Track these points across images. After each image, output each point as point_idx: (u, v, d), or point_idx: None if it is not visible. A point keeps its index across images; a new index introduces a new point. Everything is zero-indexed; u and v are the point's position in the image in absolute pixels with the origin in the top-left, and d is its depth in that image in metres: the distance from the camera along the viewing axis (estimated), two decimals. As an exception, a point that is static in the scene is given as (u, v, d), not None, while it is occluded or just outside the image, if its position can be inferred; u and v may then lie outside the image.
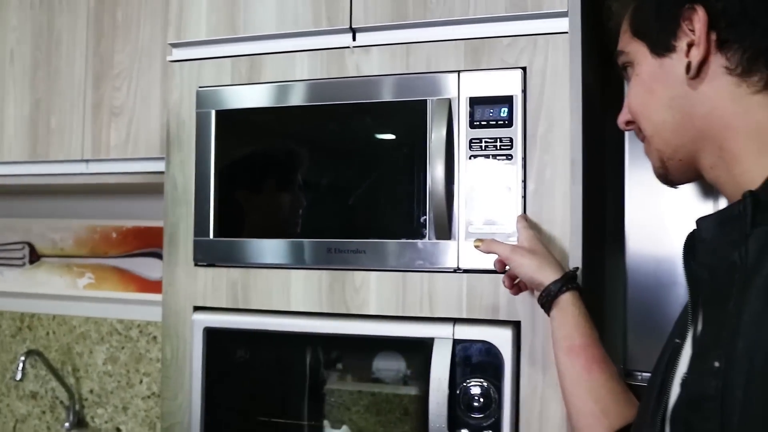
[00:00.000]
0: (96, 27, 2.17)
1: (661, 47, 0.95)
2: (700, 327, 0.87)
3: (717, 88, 0.91)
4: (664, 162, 0.99)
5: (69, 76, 2.19)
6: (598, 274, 1.48)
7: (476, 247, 1.38)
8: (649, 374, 1.18)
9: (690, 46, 0.92)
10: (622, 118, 1.07)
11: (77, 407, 2.61)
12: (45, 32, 2.24)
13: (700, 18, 0.90)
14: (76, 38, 2.20)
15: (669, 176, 1.01)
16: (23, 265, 2.73)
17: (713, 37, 0.90)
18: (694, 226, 0.94)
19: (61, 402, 2.63)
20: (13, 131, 2.25)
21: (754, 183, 0.86)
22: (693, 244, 0.94)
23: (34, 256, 2.71)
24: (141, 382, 2.53)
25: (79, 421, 2.61)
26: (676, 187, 1.07)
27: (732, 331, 0.78)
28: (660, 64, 0.96)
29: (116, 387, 2.57)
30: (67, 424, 2.58)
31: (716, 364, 0.79)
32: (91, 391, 2.60)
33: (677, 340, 0.93)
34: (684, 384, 0.85)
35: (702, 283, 0.89)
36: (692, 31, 0.91)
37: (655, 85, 0.97)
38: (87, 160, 2.17)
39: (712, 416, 0.78)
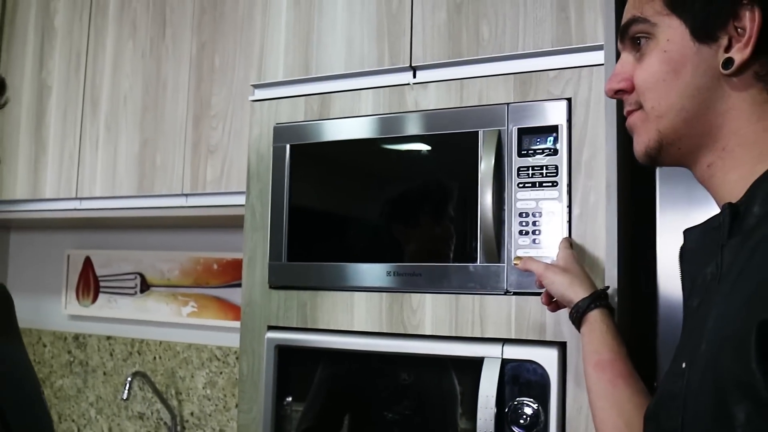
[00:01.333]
0: (197, 72, 2.37)
1: (704, 34, 0.91)
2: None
3: (742, 91, 0.90)
4: (661, 145, 0.96)
5: (172, 117, 2.40)
6: (635, 294, 1.51)
7: (515, 264, 1.46)
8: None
9: (730, 41, 0.89)
10: (614, 85, 1.01)
11: (179, 429, 2.78)
12: (153, 78, 2.47)
13: (755, 19, 0.87)
14: (179, 83, 2.41)
15: (658, 159, 0.98)
16: (135, 294, 2.95)
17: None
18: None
19: (165, 423, 2.81)
20: (124, 168, 2.48)
21: (742, 192, 0.88)
22: (682, 255, 0.98)
23: (145, 286, 2.93)
24: (236, 406, 2.68)
25: (181, 442, 2.78)
26: (649, 165, 1.03)
27: (698, 335, 0.82)
28: (697, 50, 0.91)
29: (214, 410, 2.73)
30: (169, 444, 2.76)
31: (683, 365, 0.83)
32: (192, 414, 2.77)
33: None
34: (660, 385, 0.89)
35: (685, 291, 0.93)
36: (738, 29, 0.89)
37: (684, 68, 0.92)
38: (186, 194, 2.37)
39: (675, 414, 0.82)
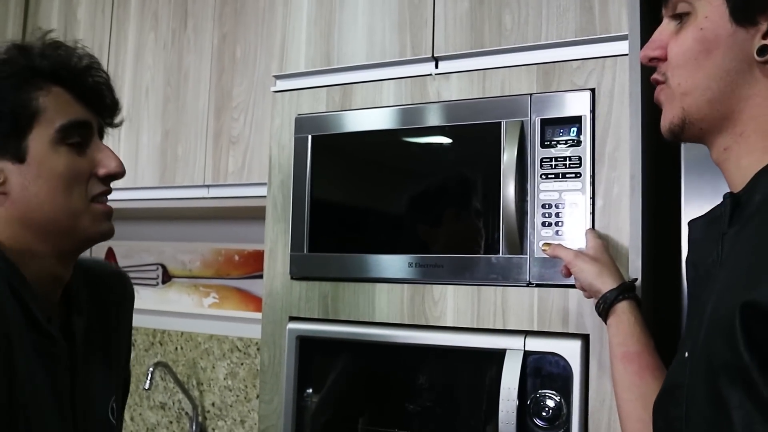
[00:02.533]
0: (218, 64, 2.38)
1: (743, 16, 0.89)
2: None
3: None
4: (685, 122, 0.95)
5: (194, 108, 2.41)
6: (658, 286, 1.50)
7: (543, 250, 1.45)
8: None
9: None
10: (650, 52, 1.00)
11: (200, 419, 2.79)
12: (175, 69, 2.48)
13: None
14: (201, 74, 2.41)
15: (681, 136, 0.98)
16: (157, 284, 2.96)
17: None
18: None
19: (186, 413, 2.83)
20: (146, 159, 2.49)
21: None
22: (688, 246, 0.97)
23: (166, 277, 2.95)
24: (257, 396, 2.69)
25: (202, 432, 2.80)
26: (672, 141, 1.03)
27: (698, 323, 0.82)
28: (733, 32, 0.90)
29: (235, 401, 2.74)
30: (191, 434, 2.77)
31: (686, 354, 0.83)
32: (213, 404, 2.78)
33: None
34: (667, 376, 0.88)
35: (688, 280, 0.92)
36: None
37: (717, 49, 0.91)
38: (208, 185, 2.37)
39: (680, 402, 0.83)
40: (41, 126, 1.15)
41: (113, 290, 1.41)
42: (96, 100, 1.24)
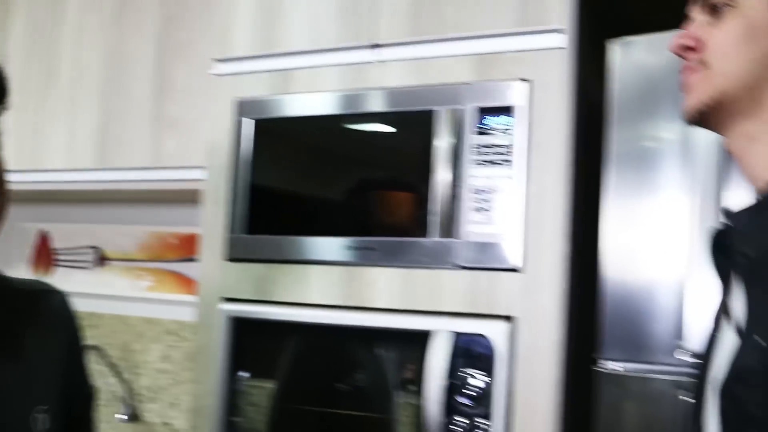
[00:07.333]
0: (160, 46, 2.37)
1: None
2: (741, 313, 0.95)
3: None
4: (714, 101, 0.99)
5: (134, 90, 2.40)
6: (583, 268, 1.57)
7: None
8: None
9: None
10: (683, 41, 1.04)
11: (133, 402, 2.78)
12: (116, 51, 2.46)
13: None
14: (143, 57, 2.40)
15: (707, 117, 1.01)
16: (91, 267, 2.94)
17: None
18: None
19: (118, 396, 2.81)
20: (84, 141, 2.47)
21: None
22: (719, 241, 1.00)
23: (102, 260, 2.93)
24: (191, 379, 2.69)
25: (134, 415, 2.78)
26: (692, 125, 1.06)
27: None
28: None
29: (169, 384, 2.73)
30: (123, 417, 2.75)
31: (762, 342, 0.87)
32: (147, 387, 2.77)
33: (715, 333, 1.00)
34: (733, 363, 0.92)
35: (741, 270, 0.96)
36: None
37: (762, 37, 0.96)
38: (147, 168, 2.36)
39: (757, 388, 0.85)
40: None
41: (32, 304, 1.38)
42: None
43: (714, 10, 1.01)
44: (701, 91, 1.00)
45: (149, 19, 2.40)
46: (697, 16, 1.03)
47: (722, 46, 0.99)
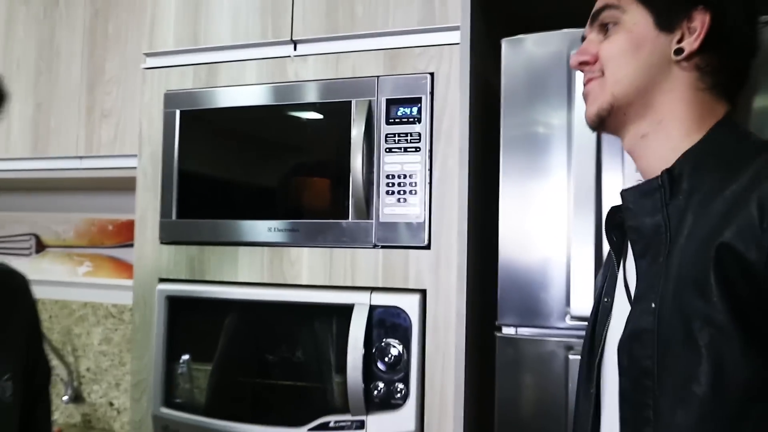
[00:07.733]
0: (90, 39, 2.46)
1: (665, 25, 1.10)
2: (631, 279, 1.11)
3: (685, 76, 1.10)
4: (613, 108, 1.13)
5: (67, 82, 2.48)
6: (483, 245, 1.72)
7: None
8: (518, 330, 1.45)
9: (683, 35, 1.08)
10: (580, 58, 1.19)
11: (75, 383, 2.88)
12: (47, 44, 2.54)
13: (705, 21, 1.07)
14: (74, 49, 2.49)
15: (606, 122, 1.16)
16: (30, 254, 3.02)
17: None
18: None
19: (61, 379, 2.91)
20: (18, 130, 2.55)
21: (668, 160, 1.08)
22: (613, 215, 1.19)
23: (40, 247, 3.01)
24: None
25: (77, 396, 2.88)
26: (596, 131, 1.22)
27: (664, 278, 1.02)
28: (656, 35, 1.10)
29: (110, 365, 2.84)
30: (66, 398, 2.85)
31: (652, 305, 1.03)
32: (88, 369, 2.87)
33: (606, 300, 1.18)
34: (627, 322, 1.08)
35: (632, 244, 1.12)
36: (691, 26, 1.08)
37: (644, 48, 1.11)
38: (81, 157, 2.46)
39: (648, 344, 1.02)
40: None
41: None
42: None
43: (603, 28, 1.18)
44: (599, 97, 1.17)
45: (79, 12, 2.48)
46: (590, 35, 1.21)
47: (613, 56, 1.15)
